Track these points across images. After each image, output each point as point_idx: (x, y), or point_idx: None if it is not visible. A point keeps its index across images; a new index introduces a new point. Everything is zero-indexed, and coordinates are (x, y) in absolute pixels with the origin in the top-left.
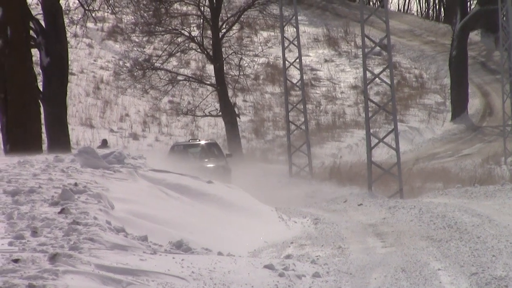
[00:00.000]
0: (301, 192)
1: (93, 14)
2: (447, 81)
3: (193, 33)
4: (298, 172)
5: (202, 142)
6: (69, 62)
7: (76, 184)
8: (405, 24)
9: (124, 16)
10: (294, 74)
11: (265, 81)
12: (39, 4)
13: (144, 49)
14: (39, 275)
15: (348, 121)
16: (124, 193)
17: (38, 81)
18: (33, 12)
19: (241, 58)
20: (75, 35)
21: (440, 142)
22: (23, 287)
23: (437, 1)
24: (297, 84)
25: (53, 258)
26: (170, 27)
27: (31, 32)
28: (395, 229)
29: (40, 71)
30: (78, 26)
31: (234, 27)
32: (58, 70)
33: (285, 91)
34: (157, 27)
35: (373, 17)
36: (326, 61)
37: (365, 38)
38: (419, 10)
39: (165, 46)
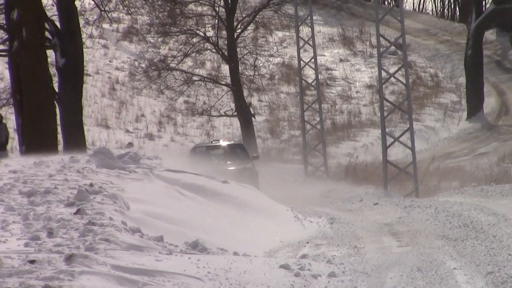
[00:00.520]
0: (316, 192)
1: (108, 15)
2: (462, 80)
3: (208, 34)
4: (314, 171)
5: (226, 143)
6: (85, 63)
7: (91, 185)
8: (420, 23)
9: (139, 16)
10: (309, 74)
11: (280, 81)
12: (54, 5)
13: (159, 50)
14: (55, 276)
15: (363, 121)
16: (139, 194)
17: (54, 82)
18: (48, 14)
19: (256, 58)
20: (91, 36)
21: (456, 141)
22: None
23: (452, 0)
24: (312, 83)
25: (69, 258)
26: (185, 28)
27: (46, 33)
28: (411, 229)
29: (56, 72)
30: (93, 27)
31: (249, 27)
32: (74, 71)
33: (300, 90)
34: (172, 27)
35: (388, 16)
36: (341, 60)
37: (380, 38)
38: (434, 9)
39: (180, 47)
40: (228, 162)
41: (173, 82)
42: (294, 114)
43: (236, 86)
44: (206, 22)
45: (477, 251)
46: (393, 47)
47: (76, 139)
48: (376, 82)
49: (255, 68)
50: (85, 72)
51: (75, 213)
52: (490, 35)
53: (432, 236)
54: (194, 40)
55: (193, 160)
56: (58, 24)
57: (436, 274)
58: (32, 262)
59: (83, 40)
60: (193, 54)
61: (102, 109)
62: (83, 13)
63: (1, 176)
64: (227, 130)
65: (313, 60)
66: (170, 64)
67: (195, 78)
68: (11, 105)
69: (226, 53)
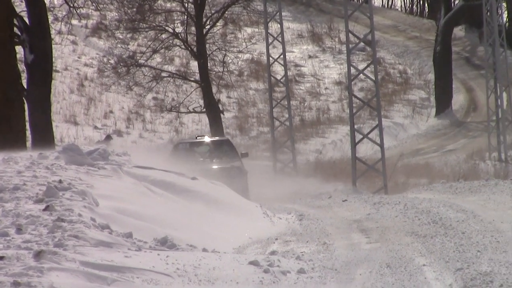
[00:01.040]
0: (285, 189)
1: (77, 11)
2: (431, 76)
3: (177, 30)
4: (283, 168)
5: (212, 139)
6: (53, 59)
7: (60, 181)
8: (389, 19)
9: (108, 13)
10: (278, 70)
11: (249, 77)
12: (23, 1)
13: (128, 46)
14: (24, 272)
15: (332, 117)
16: (108, 190)
17: (22, 78)
18: (17, 9)
19: (225, 55)
20: (59, 32)
21: (425, 138)
22: (8, 284)
23: None
24: (281, 80)
25: (38, 255)
26: (154, 24)
27: (15, 29)
28: (380, 225)
29: (24, 68)
30: (62, 23)
31: (218, 24)
32: (42, 67)
33: (269, 87)
34: (141, 23)
35: (357, 13)
36: (310, 57)
37: (349, 34)
38: (403, 6)
39: (149, 43)
40: (214, 160)
41: (142, 78)
42: (263, 110)
43: (205, 82)
44: (175, 18)
45: (446, 248)
46: (362, 44)
47: (44, 136)
48: (345, 79)
49: (224, 65)
50: (53, 68)
51: (44, 210)
52: (459, 31)
53: (401, 232)
54: (163, 36)
55: (175, 158)
56: (27, 20)
57: (405, 271)
58: (0, 258)
59: (52, 36)
60: (162, 50)
61: (70, 105)
62: (52, 9)
63: None
64: (195, 127)
65: (282, 56)
66: (139, 60)
67: (164, 74)
68: None
69: (195, 49)
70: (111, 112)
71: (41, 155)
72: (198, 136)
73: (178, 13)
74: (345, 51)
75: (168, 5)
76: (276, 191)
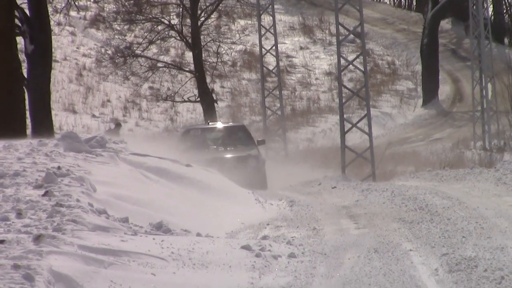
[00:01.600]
0: (277, 176)
1: (76, 3)
2: (418, 68)
3: (172, 22)
4: (274, 156)
5: (226, 125)
6: (53, 50)
7: (59, 168)
8: (378, 12)
9: (106, 5)
10: (270, 61)
11: (242, 68)
12: None
13: (125, 37)
14: (23, 255)
15: (322, 107)
16: (105, 176)
17: (23, 68)
18: (18, 1)
19: (219, 46)
20: (59, 24)
21: (412, 127)
22: (8, 267)
23: None
24: (273, 70)
25: (37, 239)
26: (150, 16)
27: (16, 20)
28: (368, 211)
29: (25, 58)
30: (61, 15)
31: (212, 16)
32: (42, 57)
33: (261, 77)
34: (137, 15)
35: (347, 6)
36: (301, 48)
37: (339, 26)
38: None
39: (145, 34)
40: (229, 148)
41: (138, 68)
42: (255, 100)
43: (199, 72)
44: (171, 10)
45: (432, 234)
46: (351, 36)
47: (44, 124)
48: (335, 70)
49: (218, 55)
50: (53, 58)
51: (43, 195)
52: (445, 24)
53: (389, 218)
54: (159, 27)
55: (185, 145)
56: (27, 11)
57: (392, 255)
58: (1, 242)
59: (52, 27)
60: (158, 42)
61: (69, 94)
62: (51, 1)
63: None
64: (190, 116)
65: (274, 47)
66: (136, 51)
67: (159, 64)
68: None
69: (190, 40)
70: (108, 101)
71: (41, 142)
72: (210, 122)
73: (174, 5)
74: (335, 43)
75: None
76: (268, 178)
